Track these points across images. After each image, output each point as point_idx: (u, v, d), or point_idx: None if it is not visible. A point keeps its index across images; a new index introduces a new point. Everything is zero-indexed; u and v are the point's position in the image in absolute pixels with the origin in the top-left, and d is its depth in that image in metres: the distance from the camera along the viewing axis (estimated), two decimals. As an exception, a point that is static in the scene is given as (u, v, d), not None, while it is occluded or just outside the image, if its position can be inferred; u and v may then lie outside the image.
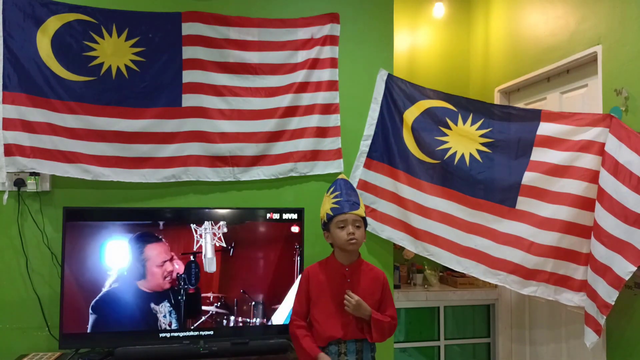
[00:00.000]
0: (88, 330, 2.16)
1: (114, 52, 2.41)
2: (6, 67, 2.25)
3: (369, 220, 2.49)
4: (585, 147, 2.18)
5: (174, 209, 2.41)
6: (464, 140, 2.49)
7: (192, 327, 2.26)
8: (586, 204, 2.16)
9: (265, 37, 2.58)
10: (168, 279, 2.24)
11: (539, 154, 2.31)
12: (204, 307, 2.28)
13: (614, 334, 2.15)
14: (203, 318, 2.28)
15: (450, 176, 2.49)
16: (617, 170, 1.98)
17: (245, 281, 2.33)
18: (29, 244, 2.35)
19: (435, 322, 3.05)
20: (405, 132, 2.60)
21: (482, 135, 2.45)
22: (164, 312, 2.24)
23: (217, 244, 2.31)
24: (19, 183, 2.30)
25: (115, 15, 2.42)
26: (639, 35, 2.07)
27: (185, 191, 2.53)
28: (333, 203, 2.03)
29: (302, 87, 2.60)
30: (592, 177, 2.13)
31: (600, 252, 2.00)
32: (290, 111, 2.58)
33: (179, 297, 2.25)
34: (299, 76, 2.60)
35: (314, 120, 2.60)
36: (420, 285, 3.15)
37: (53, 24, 2.34)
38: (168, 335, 2.23)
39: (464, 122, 2.50)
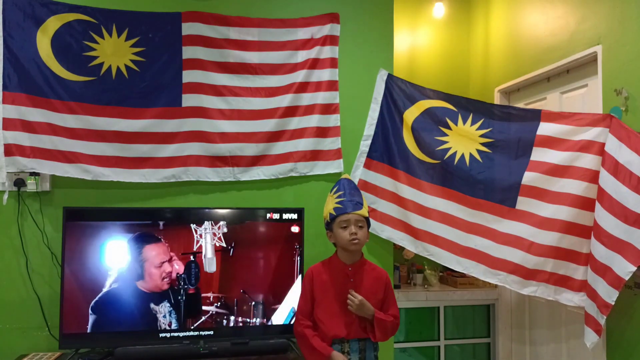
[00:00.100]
0: (88, 331, 2.16)
1: (114, 52, 2.41)
2: (6, 67, 2.25)
3: (368, 220, 2.50)
4: (585, 147, 2.18)
5: (174, 209, 2.41)
6: (464, 140, 2.49)
7: (192, 327, 2.26)
8: (586, 204, 2.16)
9: (265, 37, 2.58)
10: (167, 280, 2.24)
11: (539, 154, 2.31)
12: (204, 307, 2.28)
13: (614, 334, 2.15)
14: (203, 318, 2.28)
15: (450, 176, 2.49)
16: (617, 170, 1.98)
17: (245, 281, 2.33)
18: (29, 244, 2.35)
19: (435, 322, 3.05)
20: (405, 132, 2.60)
21: (482, 135, 2.45)
22: (163, 312, 2.24)
23: (217, 244, 2.31)
24: (19, 183, 2.30)
25: (115, 15, 2.42)
26: (639, 35, 2.07)
27: (185, 191, 2.53)
28: (336, 203, 2.04)
29: (302, 87, 2.60)
30: (592, 177, 2.13)
31: (600, 252, 2.00)
32: (290, 111, 2.58)
33: (179, 297, 2.25)
34: (299, 76, 2.60)
35: (314, 120, 2.60)
36: (420, 285, 3.15)
37: (53, 24, 2.34)
38: (168, 335, 2.23)
39: (464, 122, 2.50)
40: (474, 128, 2.48)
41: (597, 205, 2.05)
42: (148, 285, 2.23)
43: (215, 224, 2.32)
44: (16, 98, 2.26)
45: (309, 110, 2.61)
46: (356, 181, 2.60)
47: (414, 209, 2.54)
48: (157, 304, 2.23)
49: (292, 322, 2.34)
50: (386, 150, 2.63)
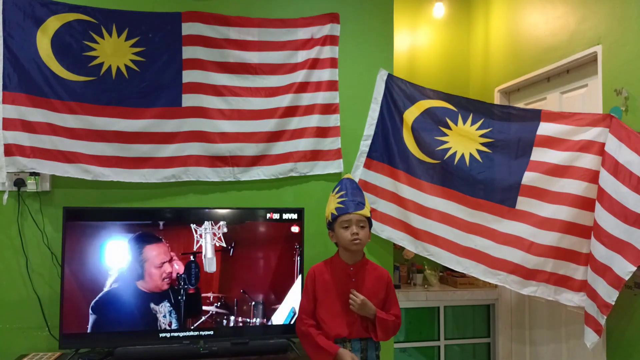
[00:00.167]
0: (88, 331, 2.16)
1: (114, 52, 2.41)
2: (6, 67, 2.26)
3: (368, 220, 2.50)
4: (585, 147, 2.18)
5: (174, 209, 2.41)
6: (464, 140, 2.49)
7: (192, 327, 2.26)
8: (586, 204, 2.16)
9: (265, 37, 2.59)
10: (167, 280, 2.24)
11: (539, 154, 2.31)
12: (204, 307, 2.28)
13: (614, 334, 2.15)
14: (203, 318, 2.28)
15: (450, 176, 2.49)
16: (617, 170, 1.98)
17: (245, 281, 2.33)
18: (29, 244, 2.35)
19: (435, 322, 3.05)
20: (405, 132, 2.60)
21: (482, 135, 2.45)
22: (163, 312, 2.24)
23: (217, 244, 2.31)
24: (19, 183, 2.30)
25: (115, 15, 2.42)
26: (639, 35, 2.07)
27: (185, 191, 2.53)
28: (338, 203, 2.04)
29: (302, 87, 2.60)
30: (592, 177, 2.13)
31: (600, 252, 2.00)
32: (290, 111, 2.58)
33: (179, 297, 2.25)
34: (299, 76, 2.60)
35: (314, 120, 2.60)
36: (420, 285, 3.15)
37: (53, 23, 2.34)
38: (168, 335, 2.23)
39: (464, 122, 2.50)
40: (474, 128, 2.48)
41: (597, 205, 2.05)
42: (148, 285, 2.23)
43: (215, 224, 2.32)
44: (16, 98, 2.26)
45: (309, 110, 2.61)
46: (356, 181, 2.59)
47: (414, 209, 2.54)
48: (157, 303, 2.23)
49: (292, 322, 2.35)
50: (386, 150, 2.63)
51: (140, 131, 2.42)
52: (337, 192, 2.10)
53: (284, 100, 2.57)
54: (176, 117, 2.47)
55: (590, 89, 2.42)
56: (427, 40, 3.51)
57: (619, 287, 1.91)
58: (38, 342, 2.33)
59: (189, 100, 2.48)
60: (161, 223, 2.27)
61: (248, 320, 2.32)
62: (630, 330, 2.08)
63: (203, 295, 2.28)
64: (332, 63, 2.65)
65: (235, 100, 2.54)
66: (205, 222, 2.30)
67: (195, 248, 2.29)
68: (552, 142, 2.28)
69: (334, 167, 2.63)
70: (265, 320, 2.34)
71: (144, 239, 2.24)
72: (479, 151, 2.46)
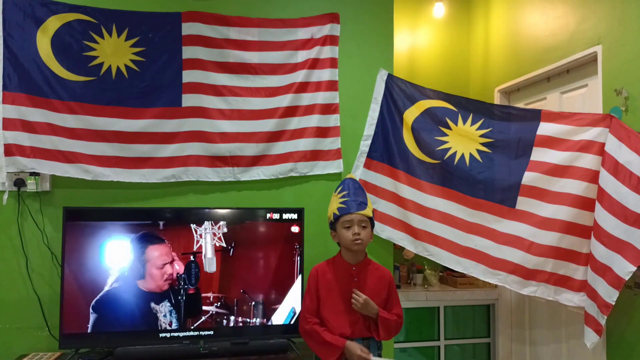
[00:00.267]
0: (88, 330, 2.16)
1: (114, 52, 2.41)
2: (6, 67, 2.26)
3: (369, 220, 2.50)
4: (585, 147, 2.18)
5: (174, 209, 2.41)
6: (464, 140, 2.49)
7: (192, 327, 2.26)
8: (586, 204, 2.16)
9: (265, 37, 2.59)
10: (167, 281, 2.24)
11: (539, 154, 2.31)
12: (204, 307, 2.28)
13: (614, 334, 2.15)
14: (203, 318, 2.28)
15: (450, 176, 2.49)
16: (617, 170, 1.98)
17: (245, 281, 2.33)
18: (29, 244, 2.35)
19: (435, 322, 3.05)
20: (405, 132, 2.60)
21: (482, 135, 2.45)
22: (164, 311, 2.24)
23: (217, 244, 2.31)
24: (19, 183, 2.30)
25: (115, 15, 2.42)
26: (639, 35, 2.07)
27: (185, 191, 2.53)
28: (340, 203, 2.04)
29: (302, 87, 2.60)
30: (592, 177, 2.13)
31: (600, 252, 2.00)
32: (290, 111, 2.58)
33: (179, 297, 2.25)
34: (299, 76, 2.60)
35: (314, 120, 2.60)
36: (420, 285, 3.15)
37: (53, 23, 2.34)
38: (168, 335, 2.23)
39: (464, 122, 2.50)
40: (474, 128, 2.48)
41: (597, 205, 2.05)
42: (149, 285, 2.23)
43: (215, 224, 2.32)
44: (16, 98, 2.26)
45: (309, 110, 2.61)
46: (357, 181, 2.60)
47: (414, 209, 2.54)
48: (157, 303, 2.23)
49: (292, 322, 2.35)
50: (386, 150, 2.63)
51: (140, 131, 2.42)
52: (339, 192, 2.10)
53: (284, 100, 2.57)
54: (176, 117, 2.47)
55: (590, 89, 2.42)
56: (427, 40, 3.51)
57: (619, 287, 1.91)
58: (38, 342, 2.33)
59: (189, 100, 2.49)
60: (161, 223, 2.27)
61: (248, 320, 2.32)
62: (630, 330, 2.08)
63: (203, 295, 2.28)
64: (332, 63, 2.65)
65: (235, 100, 2.54)
66: (205, 222, 2.30)
67: (195, 248, 2.29)
68: (552, 142, 2.28)
69: (334, 167, 2.63)
70: (265, 320, 2.34)
71: (147, 239, 2.24)
72: (479, 151, 2.46)
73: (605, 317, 1.96)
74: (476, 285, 3.08)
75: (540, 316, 2.78)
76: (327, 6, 2.68)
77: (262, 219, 2.39)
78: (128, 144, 2.41)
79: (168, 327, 2.24)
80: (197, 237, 2.29)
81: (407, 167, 2.57)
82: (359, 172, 2.62)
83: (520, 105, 2.97)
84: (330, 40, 2.65)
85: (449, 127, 2.52)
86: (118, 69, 2.41)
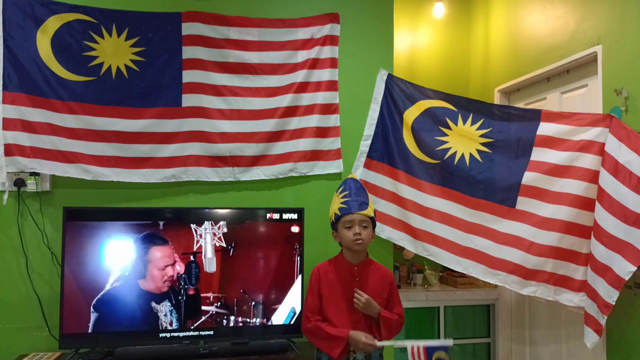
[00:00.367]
0: (89, 330, 2.16)
1: (114, 52, 2.41)
2: (6, 67, 2.26)
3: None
4: (585, 147, 2.18)
5: (174, 209, 2.41)
6: (464, 140, 2.49)
7: (192, 327, 2.26)
8: (586, 204, 2.16)
9: (265, 37, 2.59)
10: (167, 283, 2.24)
11: (539, 154, 2.31)
12: (204, 307, 2.28)
13: (614, 334, 2.15)
14: (203, 318, 2.28)
15: (450, 176, 2.49)
16: (617, 170, 1.98)
17: (245, 281, 2.33)
18: (29, 244, 2.35)
19: (435, 322, 3.04)
20: (405, 132, 2.60)
21: (482, 135, 2.45)
22: (164, 311, 2.24)
23: (217, 244, 2.31)
24: (19, 183, 2.30)
25: (115, 15, 2.42)
26: (639, 35, 2.07)
27: (185, 191, 2.53)
28: (341, 203, 2.05)
29: (302, 87, 2.60)
30: (592, 177, 2.13)
31: (600, 252, 2.00)
32: (290, 111, 2.58)
33: (179, 297, 2.25)
34: (299, 76, 2.60)
35: (313, 120, 2.60)
36: (420, 285, 3.14)
37: (53, 23, 2.34)
38: (168, 335, 2.23)
39: (464, 122, 2.50)
40: (474, 128, 2.48)
41: (597, 205, 2.05)
42: (149, 285, 2.23)
43: (215, 224, 2.32)
44: (16, 98, 2.26)
45: (309, 110, 2.61)
46: (358, 181, 2.60)
47: (413, 209, 2.54)
48: (158, 302, 2.23)
49: (292, 322, 2.35)
50: (386, 150, 2.63)
51: (140, 131, 2.42)
52: (340, 192, 2.10)
53: (284, 100, 2.57)
54: (176, 117, 2.47)
55: (590, 89, 2.42)
56: (427, 40, 3.51)
57: (619, 287, 1.91)
58: (38, 342, 2.33)
59: (189, 100, 2.49)
60: (161, 223, 2.27)
61: (248, 320, 2.32)
62: (630, 330, 2.08)
63: (203, 295, 2.28)
64: (332, 63, 2.65)
65: (235, 100, 2.54)
66: (205, 222, 2.30)
67: (195, 248, 2.29)
68: (552, 142, 2.28)
69: (333, 167, 2.63)
70: (265, 320, 2.34)
71: (150, 239, 2.24)
72: (479, 151, 2.46)
73: (606, 317, 1.96)
74: (476, 285, 3.08)
75: (540, 316, 2.78)
76: (327, 6, 2.68)
77: (262, 219, 2.39)
78: (128, 144, 2.41)
79: (169, 327, 2.23)
80: (197, 237, 2.29)
81: (407, 167, 2.57)
82: (359, 172, 2.62)
83: (520, 105, 2.97)
84: (330, 40, 2.65)
85: (449, 127, 2.52)
86: (118, 69, 2.41)
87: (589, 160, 2.16)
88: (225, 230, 2.32)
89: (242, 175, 2.55)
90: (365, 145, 2.64)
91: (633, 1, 2.10)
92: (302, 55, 2.62)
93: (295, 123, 2.59)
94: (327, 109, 2.63)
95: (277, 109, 2.57)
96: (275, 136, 2.57)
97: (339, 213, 2.04)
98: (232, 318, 2.31)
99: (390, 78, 2.68)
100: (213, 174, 2.52)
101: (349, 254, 2.08)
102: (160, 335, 2.22)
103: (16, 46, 2.28)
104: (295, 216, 2.40)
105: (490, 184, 2.41)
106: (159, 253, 2.24)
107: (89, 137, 2.36)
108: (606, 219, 1.98)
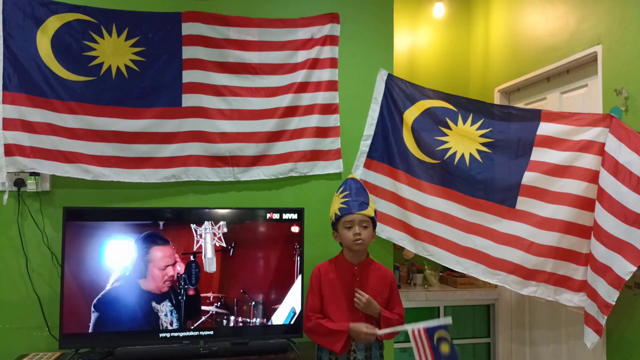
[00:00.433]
0: (90, 329, 2.16)
1: (114, 52, 2.41)
2: (6, 67, 2.26)
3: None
4: (585, 147, 2.18)
5: (174, 209, 2.41)
6: (464, 140, 2.49)
7: (192, 327, 2.26)
8: (586, 204, 2.16)
9: (265, 37, 2.59)
10: (167, 283, 2.24)
11: (539, 154, 2.31)
12: (204, 307, 2.28)
13: (614, 334, 2.15)
14: (203, 318, 2.28)
15: (450, 176, 2.49)
16: (617, 170, 1.98)
17: (245, 281, 2.33)
18: (29, 244, 2.35)
19: (435, 322, 3.04)
20: (405, 132, 2.60)
21: (482, 135, 2.45)
22: (165, 311, 2.24)
23: (217, 244, 2.31)
24: (19, 183, 2.30)
25: (115, 15, 2.42)
26: (639, 35, 2.07)
27: (185, 191, 2.53)
28: (341, 203, 2.05)
29: (302, 87, 2.60)
30: (592, 177, 2.13)
31: (600, 252, 2.00)
32: (290, 111, 2.58)
33: (179, 297, 2.25)
34: (299, 76, 2.60)
35: (313, 120, 2.60)
36: (420, 285, 3.15)
37: (53, 23, 2.34)
38: (168, 335, 2.23)
39: (464, 122, 2.50)
40: (474, 128, 2.48)
41: (597, 205, 2.05)
42: (150, 285, 2.23)
43: (215, 224, 2.32)
44: (16, 98, 2.26)
45: (309, 110, 2.61)
46: (358, 181, 2.60)
47: (413, 209, 2.54)
48: (158, 302, 2.23)
49: (292, 322, 2.35)
50: (386, 150, 2.63)
51: (140, 131, 2.42)
52: (341, 192, 2.11)
53: (284, 100, 2.57)
54: (176, 117, 2.47)
55: (590, 89, 2.42)
56: (427, 40, 3.51)
57: (619, 287, 1.91)
58: (38, 342, 2.33)
59: (189, 100, 2.49)
60: (161, 223, 2.27)
61: (248, 320, 2.32)
62: (630, 330, 2.08)
63: (203, 295, 2.28)
64: (332, 63, 2.65)
65: (235, 100, 2.54)
66: (205, 222, 2.30)
67: (195, 248, 2.29)
68: (552, 142, 2.28)
69: (333, 167, 2.63)
70: (265, 320, 2.34)
71: (152, 239, 2.24)
72: (479, 151, 2.46)
73: (606, 317, 1.96)
74: (476, 285, 3.08)
75: (540, 316, 2.78)
76: (327, 6, 2.68)
77: (262, 219, 2.39)
78: (128, 144, 2.41)
79: (169, 327, 2.23)
80: (197, 237, 2.29)
81: (407, 167, 2.57)
82: (359, 172, 2.62)
83: (520, 105, 2.97)
84: (330, 40, 2.65)
85: (449, 127, 2.52)
86: (118, 69, 2.41)
87: (589, 160, 2.16)
88: (225, 230, 2.32)
89: (242, 175, 2.55)
90: (365, 145, 2.64)
91: (633, 1, 2.10)
92: (302, 55, 2.62)
93: (295, 123, 2.59)
94: (327, 109, 2.63)
95: (277, 109, 2.57)
96: (275, 136, 2.57)
97: (339, 213, 2.04)
98: (232, 318, 2.31)
99: (390, 78, 2.68)
100: (213, 174, 2.52)
101: (350, 254, 2.08)
102: (161, 335, 2.22)
103: (16, 46, 2.28)
104: (295, 216, 2.40)
105: (490, 184, 2.41)
106: (160, 253, 2.24)
107: (89, 137, 2.36)
108: (606, 219, 1.98)
